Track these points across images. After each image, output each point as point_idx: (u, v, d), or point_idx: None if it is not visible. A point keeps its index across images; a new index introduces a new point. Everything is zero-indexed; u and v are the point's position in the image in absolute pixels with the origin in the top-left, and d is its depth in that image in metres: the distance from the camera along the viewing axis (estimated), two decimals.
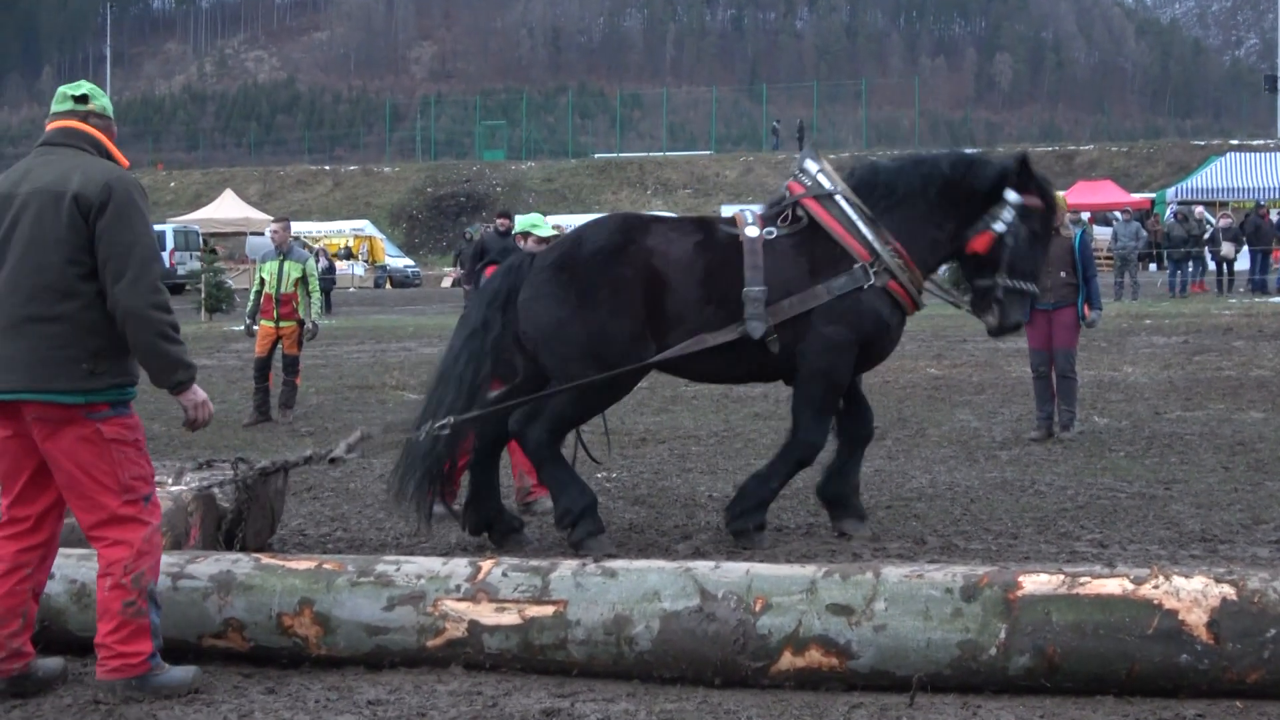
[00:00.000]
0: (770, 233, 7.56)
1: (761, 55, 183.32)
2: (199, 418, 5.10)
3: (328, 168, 77.79)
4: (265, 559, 5.57)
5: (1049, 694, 4.72)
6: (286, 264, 13.78)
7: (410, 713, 4.78)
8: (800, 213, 7.62)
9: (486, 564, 5.35)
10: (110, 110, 5.19)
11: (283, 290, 13.69)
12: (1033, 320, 11.47)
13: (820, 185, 7.62)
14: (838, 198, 7.55)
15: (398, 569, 5.36)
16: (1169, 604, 4.65)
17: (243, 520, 6.81)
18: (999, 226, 7.50)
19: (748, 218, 7.72)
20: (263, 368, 13.78)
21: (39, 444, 4.88)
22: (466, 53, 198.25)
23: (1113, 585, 4.75)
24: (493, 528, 7.65)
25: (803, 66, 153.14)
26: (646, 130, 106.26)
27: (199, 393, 5.08)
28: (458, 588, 5.23)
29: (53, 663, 5.17)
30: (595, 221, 8.14)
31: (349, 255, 52.49)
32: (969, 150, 8.06)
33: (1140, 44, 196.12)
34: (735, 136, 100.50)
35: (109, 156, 5.08)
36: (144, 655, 4.89)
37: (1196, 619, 4.61)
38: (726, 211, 7.81)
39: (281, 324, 13.75)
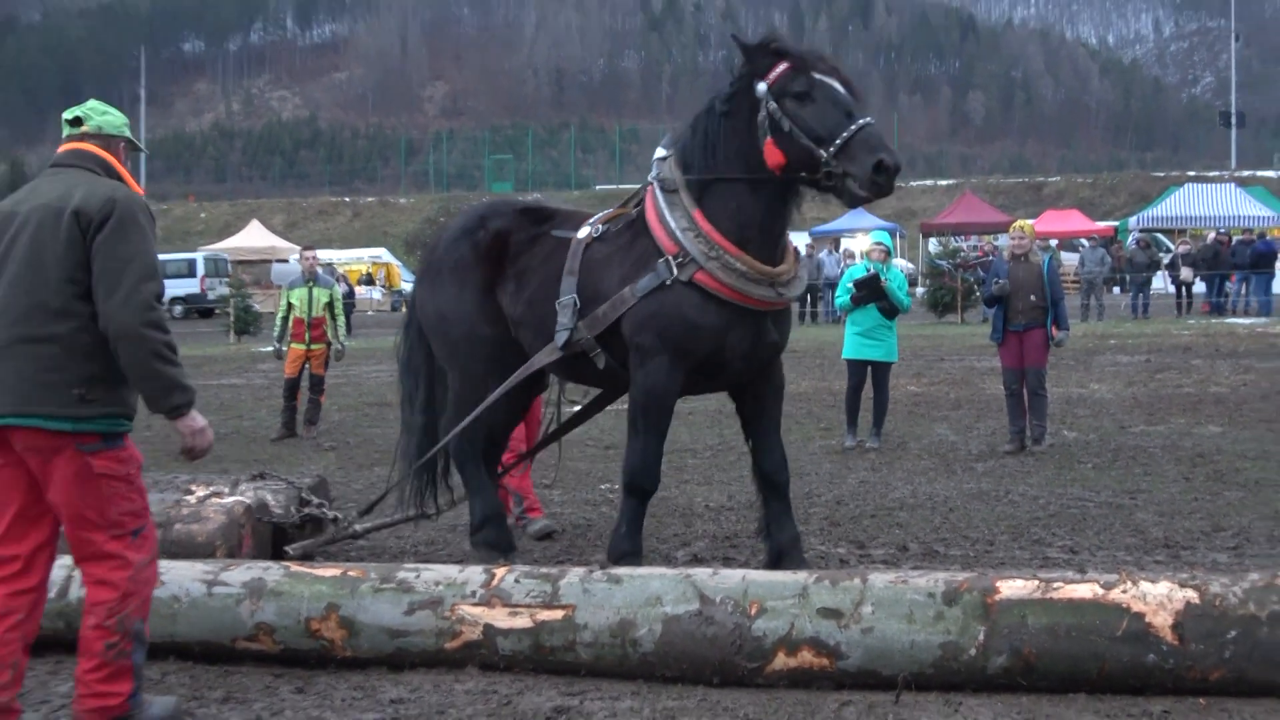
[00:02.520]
0: (596, 232, 6.60)
1: None
2: (197, 445, 4.50)
3: (347, 199, 77.98)
4: (294, 567, 5.57)
5: (1025, 692, 4.72)
6: (315, 290, 13.84)
7: (430, 711, 4.78)
8: (637, 208, 6.61)
9: (500, 571, 5.35)
10: (112, 129, 4.70)
11: (313, 314, 13.75)
12: (1005, 341, 11.50)
13: (653, 172, 6.53)
14: (655, 185, 6.44)
15: (417, 576, 5.35)
16: (1136, 607, 4.65)
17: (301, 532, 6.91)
18: (767, 126, 6.08)
19: (595, 217, 6.80)
20: (292, 387, 13.79)
21: (35, 473, 4.37)
22: (476, 91, 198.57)
23: (1084, 590, 4.75)
24: (489, 528, 7.20)
25: None
26: (644, 163, 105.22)
27: (198, 419, 4.48)
28: (473, 593, 5.22)
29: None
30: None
31: (369, 281, 52.48)
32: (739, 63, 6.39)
33: (1104, 82, 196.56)
34: None
35: (117, 177, 4.61)
36: (123, 696, 4.43)
37: (1162, 621, 4.61)
38: None
39: (312, 346, 13.80)
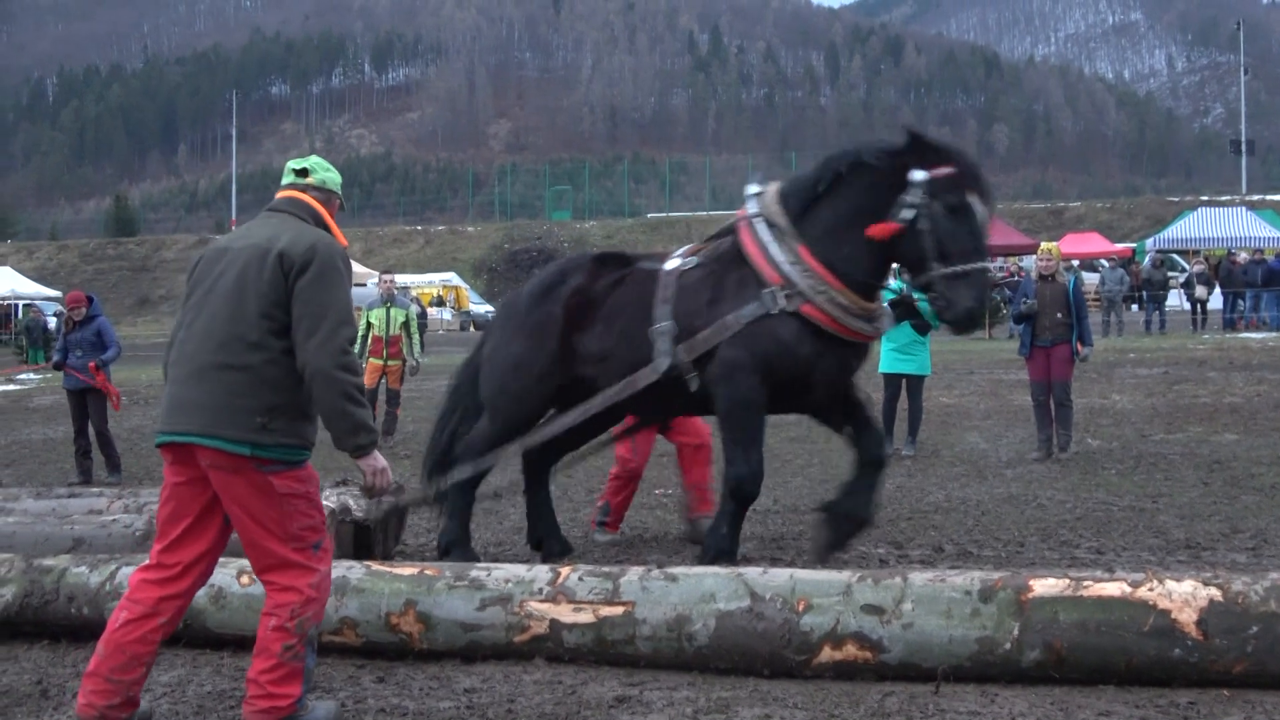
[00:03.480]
0: (689, 263, 6.50)
1: (790, 127, 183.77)
2: (377, 484, 4.46)
3: (419, 228, 78.34)
4: (375, 566, 5.57)
5: (1057, 684, 4.64)
6: (392, 310, 13.92)
7: (501, 699, 4.76)
8: (728, 240, 6.50)
9: (565, 570, 5.33)
10: (333, 184, 4.69)
11: (391, 333, 13.82)
12: (1032, 355, 11.38)
13: (750, 208, 6.42)
14: (757, 220, 6.33)
15: (488, 574, 5.35)
16: (1163, 604, 4.56)
17: (384, 534, 6.87)
18: (906, 213, 5.95)
19: (678, 251, 6.75)
20: (370, 399, 13.85)
21: (216, 489, 4.33)
22: (537, 128, 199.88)
23: (1112, 588, 4.67)
24: (541, 545, 7.30)
25: (826, 136, 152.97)
26: (692, 193, 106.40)
27: (379, 459, 4.44)
28: (540, 591, 5.21)
29: (144, 708, 4.55)
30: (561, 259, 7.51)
31: (440, 303, 52.82)
32: (873, 141, 6.32)
33: (1120, 114, 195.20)
34: None
35: (325, 228, 4.57)
36: (293, 699, 4.30)
37: (1187, 618, 4.53)
38: None
39: (389, 362, 13.87)
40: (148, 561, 4.44)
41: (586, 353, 6.64)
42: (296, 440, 4.36)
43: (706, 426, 8.02)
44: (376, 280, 15.09)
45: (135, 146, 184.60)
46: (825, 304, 6.09)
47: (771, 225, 6.27)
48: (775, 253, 6.18)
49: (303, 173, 4.66)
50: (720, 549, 6.34)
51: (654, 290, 6.45)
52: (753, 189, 6.50)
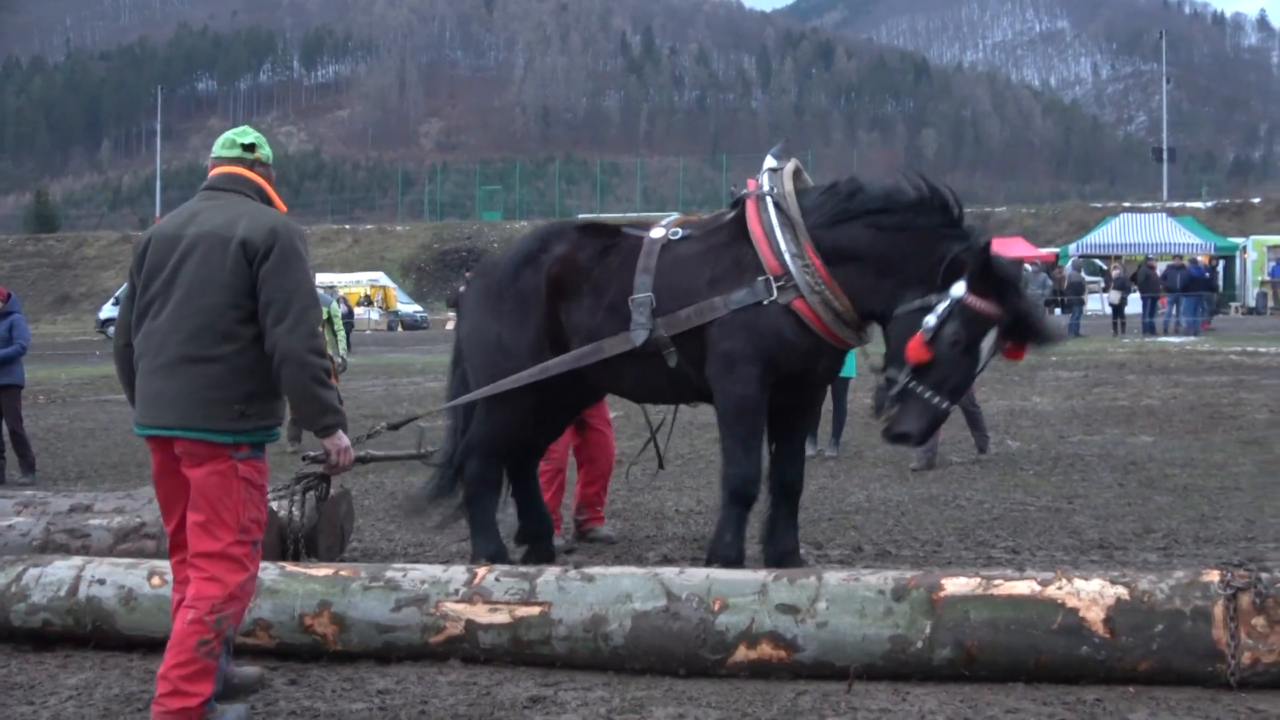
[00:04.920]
0: (676, 234, 6.19)
1: (722, 130, 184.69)
2: (340, 462, 4.59)
3: (348, 226, 77.59)
4: (289, 566, 5.51)
5: (968, 681, 4.69)
6: None
7: (414, 701, 4.73)
8: (731, 215, 6.17)
9: (481, 570, 5.30)
10: (272, 158, 4.72)
11: None
12: None
13: (761, 185, 6.06)
14: (768, 199, 5.97)
15: (404, 575, 5.31)
16: (1071, 603, 4.63)
17: (314, 535, 6.64)
18: (930, 321, 5.53)
19: (664, 221, 6.43)
20: None
21: (184, 472, 4.38)
22: (469, 127, 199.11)
23: (1022, 586, 4.73)
24: (533, 545, 6.88)
25: (758, 139, 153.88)
26: (624, 194, 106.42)
27: (343, 438, 4.55)
28: (456, 591, 5.18)
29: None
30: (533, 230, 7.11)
31: (368, 302, 52.35)
32: (955, 202, 5.84)
33: (1046, 121, 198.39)
34: (700, 199, 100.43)
35: (269, 202, 4.58)
36: (203, 698, 4.26)
37: (1095, 616, 4.60)
38: None
39: None
40: (169, 543, 4.57)
41: (574, 328, 6.27)
42: (272, 420, 4.48)
43: (612, 444, 8.06)
44: None
45: (57, 141, 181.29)
46: (818, 304, 5.80)
47: (781, 209, 5.94)
48: (780, 239, 5.86)
49: (250, 148, 4.62)
50: (728, 556, 6.07)
51: (636, 260, 6.16)
52: (770, 163, 6.16)
